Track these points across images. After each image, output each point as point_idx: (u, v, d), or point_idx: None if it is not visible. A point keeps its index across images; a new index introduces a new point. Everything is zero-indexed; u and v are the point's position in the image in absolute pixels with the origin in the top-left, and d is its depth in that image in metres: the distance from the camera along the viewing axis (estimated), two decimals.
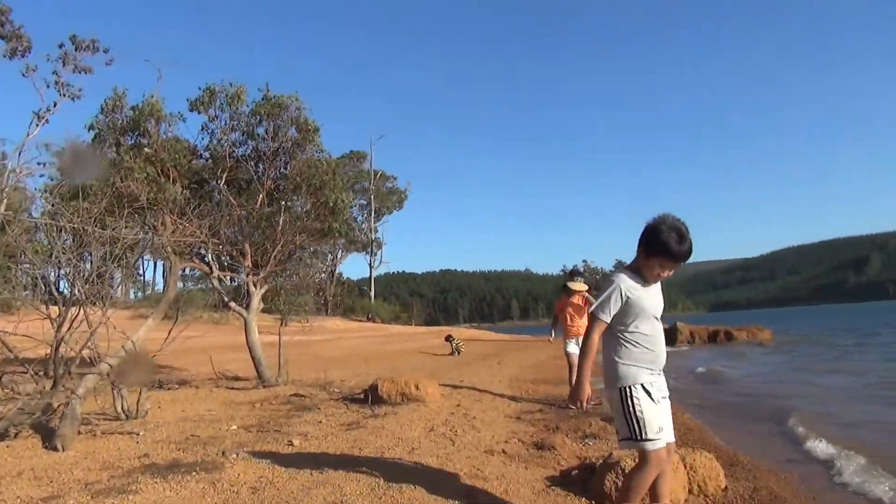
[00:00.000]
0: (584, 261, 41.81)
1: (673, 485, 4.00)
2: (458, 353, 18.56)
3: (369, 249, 52.54)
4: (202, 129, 10.82)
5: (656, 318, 3.14)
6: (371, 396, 7.31)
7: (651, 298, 3.12)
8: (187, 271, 11.30)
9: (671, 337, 28.15)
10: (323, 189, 10.32)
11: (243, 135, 10.80)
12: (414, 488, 3.80)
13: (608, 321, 3.10)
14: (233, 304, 9.18)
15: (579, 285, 8.17)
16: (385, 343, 23.72)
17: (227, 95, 10.55)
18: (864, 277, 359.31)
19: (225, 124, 10.61)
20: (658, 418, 3.04)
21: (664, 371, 3.23)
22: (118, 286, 8.59)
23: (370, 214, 52.04)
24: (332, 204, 10.23)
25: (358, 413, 6.60)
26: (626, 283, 3.08)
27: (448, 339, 19.81)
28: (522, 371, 13.59)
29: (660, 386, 3.14)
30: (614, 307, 3.07)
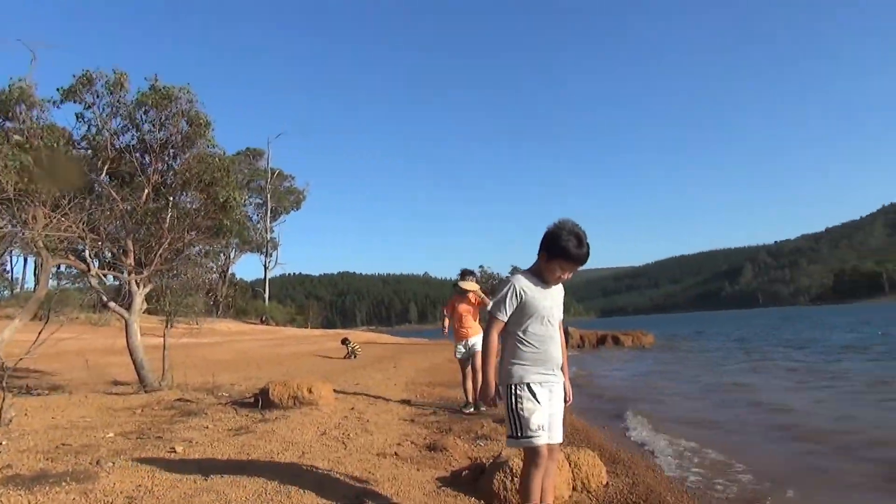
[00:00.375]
0: (480, 266, 42.52)
1: (557, 482, 4.15)
2: (354, 357, 18.37)
3: (264, 250, 51.01)
4: (77, 118, 10.13)
5: (551, 321, 3.24)
6: (261, 400, 7.09)
7: (546, 301, 3.22)
8: (62, 269, 10.49)
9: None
10: (214, 185, 9.92)
11: (126, 122, 10.19)
12: (303, 493, 3.72)
13: (505, 320, 3.19)
14: (112, 305, 8.61)
15: (471, 284, 7.85)
16: (279, 346, 23.08)
17: (107, 82, 9.93)
18: (738, 287, 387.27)
19: (104, 112, 9.98)
20: (539, 417, 3.13)
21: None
22: None
23: (266, 214, 50.53)
24: (223, 201, 9.85)
25: (247, 418, 6.38)
26: (521, 282, 3.21)
27: (344, 341, 19.57)
28: (418, 374, 13.64)
29: (551, 386, 3.23)
30: (510, 306, 3.17)
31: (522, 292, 3.18)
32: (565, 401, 3.37)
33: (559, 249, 3.12)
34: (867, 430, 7.18)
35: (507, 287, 3.21)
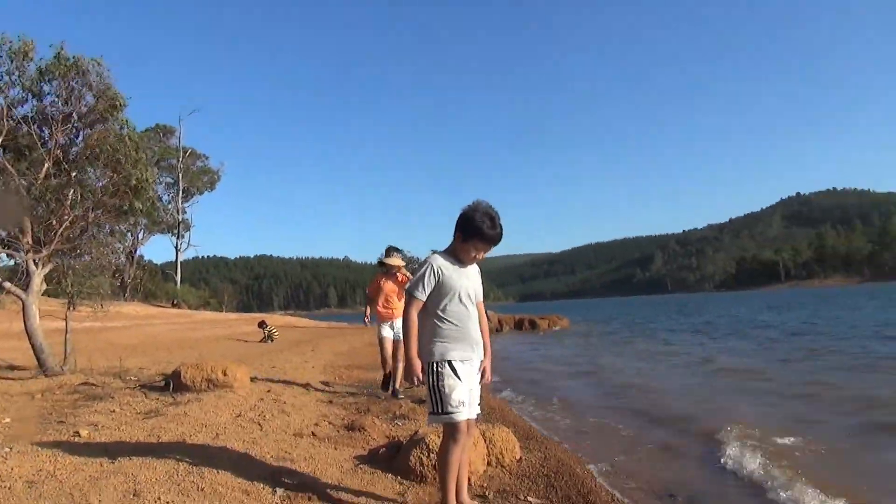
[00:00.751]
0: (400, 250, 42.38)
1: (473, 457, 4.27)
2: (271, 340, 18.05)
3: (175, 231, 48.93)
4: None
5: (470, 299, 3.34)
6: (173, 384, 6.87)
7: (463, 280, 3.32)
8: None
9: None
10: (124, 164, 9.44)
11: (25, 92, 9.54)
12: (217, 472, 3.67)
13: (423, 299, 3.26)
14: (7, 285, 8.09)
15: (397, 260, 7.42)
16: (191, 330, 22.33)
17: (10, 49, 9.26)
18: (649, 273, 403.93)
19: (2, 79, 9.30)
20: (459, 394, 3.22)
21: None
22: None
23: (177, 194, 48.45)
24: (134, 182, 9.40)
25: (158, 401, 6.17)
26: (438, 262, 3.30)
27: (261, 325, 19.18)
28: (336, 357, 13.58)
29: (471, 361, 3.32)
30: (428, 286, 3.25)
31: (440, 272, 3.27)
32: (482, 379, 3.46)
33: (474, 230, 3.24)
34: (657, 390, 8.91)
35: (425, 267, 3.30)
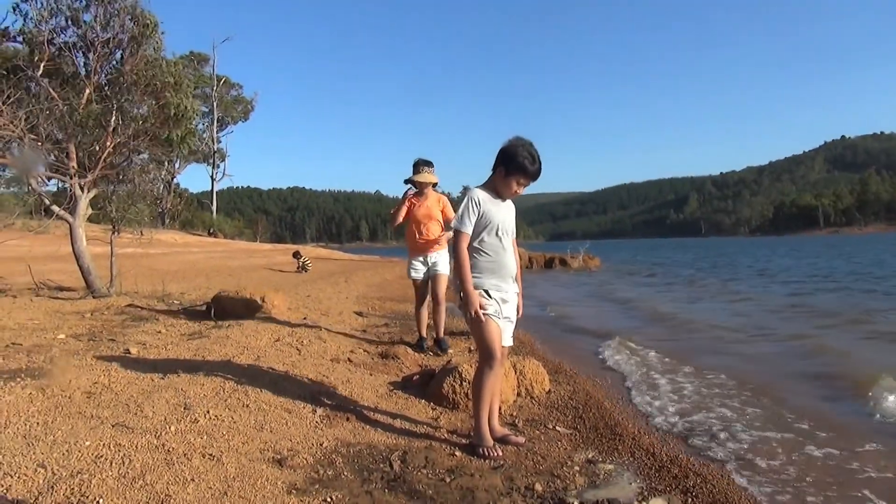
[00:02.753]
0: (434, 185, 42.23)
1: (503, 387, 4.41)
2: (306, 271, 18.41)
3: (211, 161, 49.43)
4: (13, 9, 9.49)
5: (505, 233, 3.39)
6: (214, 308, 7.13)
7: (501, 213, 3.38)
8: None
9: None
10: (164, 92, 9.51)
11: (67, 20, 9.61)
12: (260, 391, 3.86)
13: (470, 232, 3.32)
14: (56, 208, 8.36)
15: (429, 176, 6.13)
16: (228, 258, 22.88)
17: None
18: (682, 215, 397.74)
19: (42, 5, 9.35)
20: (497, 324, 3.31)
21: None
22: None
23: (212, 124, 48.66)
24: (174, 111, 9.49)
25: (201, 324, 6.43)
26: (478, 195, 3.35)
27: (296, 255, 19.54)
28: (369, 289, 13.84)
29: (504, 295, 3.39)
30: (472, 217, 3.31)
31: (480, 204, 3.32)
32: (517, 312, 3.55)
33: (517, 165, 3.28)
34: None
35: (467, 199, 3.35)
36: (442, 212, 6.18)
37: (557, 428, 4.02)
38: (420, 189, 6.13)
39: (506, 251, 3.40)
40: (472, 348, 6.53)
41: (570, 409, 4.53)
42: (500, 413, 4.15)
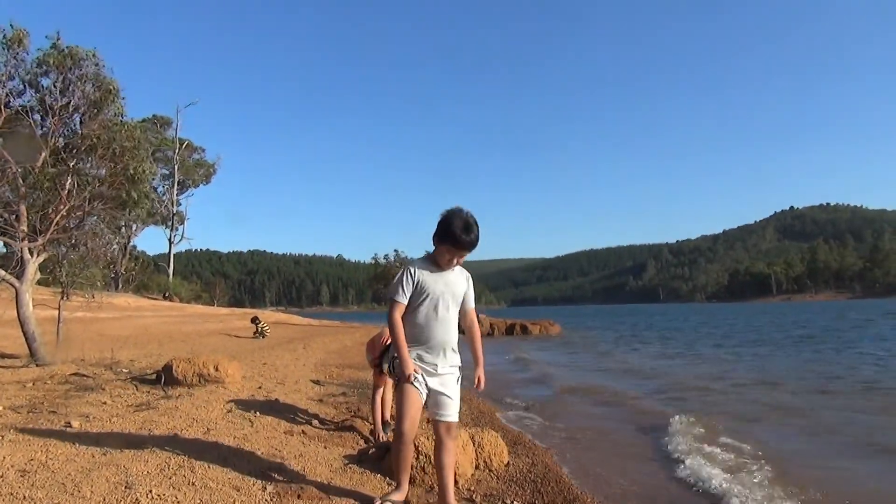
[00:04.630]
0: (395, 250, 42.33)
1: (461, 460, 4.33)
2: (263, 336, 18.05)
3: (169, 223, 48.84)
4: None
5: (444, 304, 3.38)
6: (164, 377, 6.90)
7: (439, 285, 3.38)
8: None
9: None
10: (123, 156, 9.47)
11: (24, 83, 9.59)
12: (208, 467, 3.70)
13: (404, 302, 3.35)
14: (1, 272, 8.10)
15: None
16: (183, 323, 22.28)
17: (4, 37, 9.29)
18: (641, 282, 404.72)
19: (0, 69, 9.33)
20: (416, 394, 3.34)
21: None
22: None
23: (172, 186, 48.33)
24: (132, 172, 9.43)
25: (149, 394, 6.20)
26: (414, 266, 3.40)
27: (254, 320, 19.18)
28: (328, 356, 13.60)
29: (431, 365, 3.37)
30: (407, 289, 3.34)
31: (415, 275, 3.36)
32: (476, 386, 3.53)
33: (447, 234, 3.31)
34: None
35: (402, 271, 3.42)
36: None
37: (515, 503, 3.94)
38: None
39: (440, 322, 3.37)
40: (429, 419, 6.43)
41: (529, 483, 4.45)
42: (456, 487, 4.06)
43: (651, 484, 4.89)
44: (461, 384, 3.48)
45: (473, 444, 4.69)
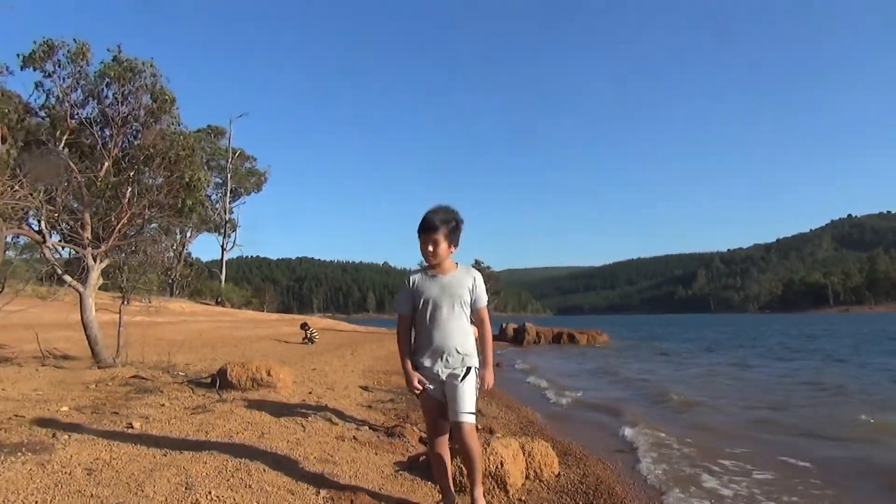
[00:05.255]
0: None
1: (511, 469, 4.30)
2: (312, 342, 18.30)
3: (222, 230, 50.12)
4: (36, 86, 9.91)
5: (438, 307, 3.37)
6: (219, 381, 7.05)
7: (435, 287, 3.40)
8: (9, 239, 10.25)
9: (519, 336, 29.54)
10: (179, 164, 9.78)
11: (87, 96, 10.01)
12: (263, 470, 3.77)
13: (405, 312, 3.44)
14: (68, 278, 8.43)
15: None
16: (235, 328, 22.80)
17: (68, 51, 9.71)
18: (691, 291, 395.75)
19: (65, 82, 9.76)
20: (433, 400, 3.38)
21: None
22: None
23: (225, 194, 49.62)
24: (188, 180, 9.72)
25: (205, 397, 6.35)
26: (411, 276, 3.48)
27: (303, 326, 19.47)
28: (375, 362, 13.70)
29: (429, 370, 3.37)
30: (405, 298, 3.43)
31: (411, 283, 3.43)
32: (482, 388, 3.45)
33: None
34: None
35: (403, 284, 3.50)
36: None
37: None
38: None
39: (437, 327, 3.36)
40: (479, 427, 6.41)
41: (581, 495, 4.40)
42: (507, 496, 4.05)
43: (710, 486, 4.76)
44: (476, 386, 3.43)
45: (524, 453, 4.66)
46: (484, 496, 3.98)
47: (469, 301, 3.41)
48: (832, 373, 14.75)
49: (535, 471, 4.67)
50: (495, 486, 4.16)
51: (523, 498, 4.18)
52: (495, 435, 5.66)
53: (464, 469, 3.55)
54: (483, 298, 3.46)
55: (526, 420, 7.52)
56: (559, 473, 4.83)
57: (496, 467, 4.24)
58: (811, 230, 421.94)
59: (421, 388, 3.32)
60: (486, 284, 3.63)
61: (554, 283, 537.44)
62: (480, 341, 3.48)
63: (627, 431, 7.07)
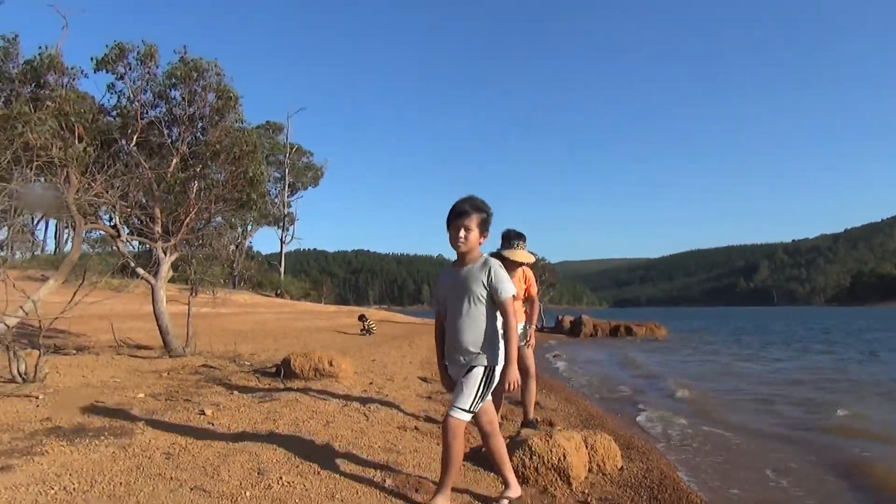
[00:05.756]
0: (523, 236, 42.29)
1: (574, 462, 4.28)
2: (370, 333, 18.57)
3: (281, 224, 51.32)
4: (108, 88, 10.33)
5: (453, 302, 3.33)
6: (283, 370, 7.26)
7: (446, 285, 3.41)
8: (85, 234, 10.78)
9: (576, 329, 29.22)
10: (242, 159, 10.07)
11: (156, 97, 10.39)
12: (330, 458, 3.87)
13: (438, 311, 3.48)
14: (140, 271, 8.82)
15: (522, 254, 5.45)
16: (295, 320, 23.34)
17: (138, 53, 10.09)
18: (753, 283, 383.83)
19: (135, 83, 10.15)
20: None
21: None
22: (6, 244, 8.05)
23: (284, 188, 50.75)
24: (251, 175, 10.00)
25: (270, 386, 6.56)
26: (439, 272, 3.54)
27: (361, 318, 19.78)
28: (432, 354, 13.72)
29: (450, 365, 3.42)
30: (435, 297, 3.48)
31: (438, 280, 3.49)
32: (509, 389, 3.33)
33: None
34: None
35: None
36: (526, 290, 5.64)
37: None
38: (515, 266, 5.41)
39: (450, 323, 3.34)
40: (539, 419, 6.40)
41: (645, 489, 4.34)
42: (571, 489, 4.04)
43: (775, 498, 4.63)
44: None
45: (586, 446, 4.62)
46: (548, 488, 3.99)
47: (484, 295, 3.24)
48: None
49: (598, 464, 4.63)
50: (558, 479, 4.15)
51: (586, 491, 4.16)
52: (556, 427, 5.65)
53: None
54: (504, 290, 3.23)
55: (586, 413, 7.45)
56: (622, 467, 4.78)
57: (559, 459, 4.22)
58: (882, 219, 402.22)
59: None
60: (542, 276, 3.62)
61: (610, 275, 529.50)
62: (504, 336, 3.28)
63: (685, 424, 6.94)
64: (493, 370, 3.26)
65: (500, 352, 3.28)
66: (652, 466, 4.94)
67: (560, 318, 31.56)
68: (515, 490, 3.57)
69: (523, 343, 5.55)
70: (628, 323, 29.92)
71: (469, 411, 3.23)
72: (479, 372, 3.23)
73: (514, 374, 3.25)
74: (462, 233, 3.22)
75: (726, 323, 51.77)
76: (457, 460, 3.28)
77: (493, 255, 5.61)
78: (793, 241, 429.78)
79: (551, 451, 4.24)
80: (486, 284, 3.23)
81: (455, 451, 3.24)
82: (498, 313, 3.28)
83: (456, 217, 3.23)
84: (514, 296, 3.28)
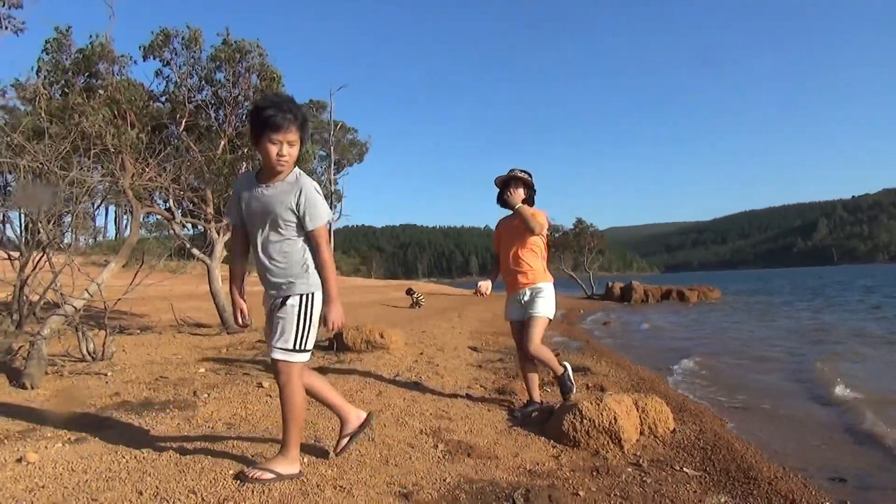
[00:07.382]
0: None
1: (625, 424, 4.29)
2: (419, 306, 18.79)
3: (329, 201, 52.00)
4: (157, 74, 10.57)
5: (257, 227, 2.88)
6: (336, 343, 7.44)
7: (253, 203, 2.86)
8: (142, 218, 11.16)
9: (626, 295, 28.92)
10: None
11: (201, 80, 10.59)
12: (384, 425, 3.97)
13: (234, 222, 3.08)
14: (196, 252, 9.12)
15: (517, 194, 4.90)
16: (345, 294, 23.67)
17: (183, 38, 10.28)
18: (811, 243, 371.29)
19: (181, 69, 10.37)
20: None
21: None
22: (70, 230, 8.41)
23: (330, 166, 51.23)
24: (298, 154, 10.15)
25: (324, 359, 6.74)
26: (239, 179, 3.12)
27: (409, 292, 20.01)
28: (482, 324, 13.89)
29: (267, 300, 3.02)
30: (233, 209, 3.02)
31: (237, 190, 3.00)
32: (325, 326, 2.98)
33: (260, 122, 2.71)
34: None
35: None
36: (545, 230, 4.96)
37: (685, 469, 3.85)
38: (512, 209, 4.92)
39: (253, 245, 2.93)
40: (589, 385, 6.41)
41: (698, 450, 4.31)
42: (622, 452, 4.05)
43: (830, 456, 4.55)
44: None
45: (637, 409, 4.61)
46: (599, 451, 4.01)
47: (294, 222, 2.81)
48: None
49: (649, 426, 4.62)
50: (609, 442, 4.16)
51: (638, 453, 4.16)
52: (607, 392, 5.65)
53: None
54: (315, 218, 2.81)
55: (637, 377, 7.41)
56: (674, 429, 4.76)
57: (609, 423, 4.23)
58: None
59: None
60: (590, 244, 3.54)
61: (660, 240, 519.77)
62: (321, 275, 2.90)
63: (737, 386, 6.85)
64: (313, 297, 2.87)
65: (317, 277, 2.88)
66: (705, 428, 4.90)
67: (610, 284, 31.30)
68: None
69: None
70: (680, 287, 29.43)
71: (297, 350, 2.82)
72: (294, 302, 2.83)
73: (338, 314, 2.93)
74: (286, 149, 2.73)
75: (784, 283, 50.36)
76: (296, 411, 2.87)
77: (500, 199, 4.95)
78: (853, 197, 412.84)
79: (602, 414, 4.25)
80: (292, 209, 2.78)
81: (293, 401, 2.84)
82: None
83: (287, 118, 2.70)
84: (329, 222, 2.89)
